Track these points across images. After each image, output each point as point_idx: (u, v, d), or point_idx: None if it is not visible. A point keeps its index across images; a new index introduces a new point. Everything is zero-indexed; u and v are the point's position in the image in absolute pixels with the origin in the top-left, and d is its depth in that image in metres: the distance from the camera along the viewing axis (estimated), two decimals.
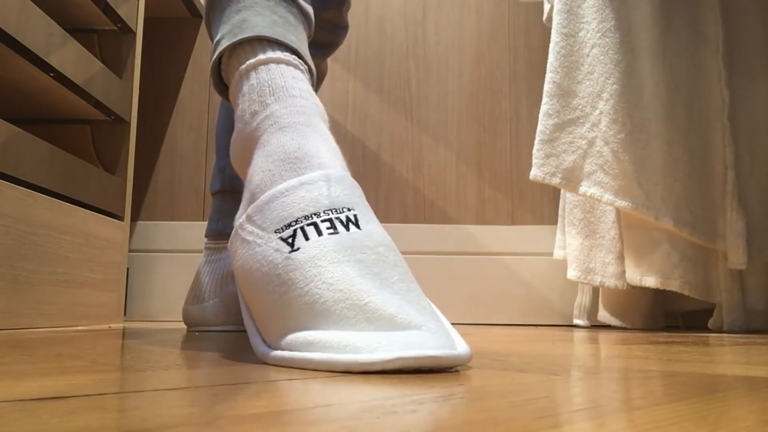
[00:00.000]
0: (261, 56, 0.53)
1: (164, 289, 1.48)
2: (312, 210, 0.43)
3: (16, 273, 0.84)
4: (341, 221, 0.43)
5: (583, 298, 1.39)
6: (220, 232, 0.92)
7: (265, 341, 0.44)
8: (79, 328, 0.94)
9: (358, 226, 0.43)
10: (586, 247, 1.30)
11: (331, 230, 0.42)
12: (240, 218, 0.47)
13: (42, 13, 0.90)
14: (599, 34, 1.22)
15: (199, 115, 1.56)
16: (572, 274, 1.31)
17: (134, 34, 1.19)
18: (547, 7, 1.38)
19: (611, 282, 1.27)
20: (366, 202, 0.47)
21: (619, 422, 0.23)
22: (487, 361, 0.47)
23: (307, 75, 0.55)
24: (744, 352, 0.63)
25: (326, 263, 0.40)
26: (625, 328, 1.31)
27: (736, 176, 1.23)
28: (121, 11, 1.14)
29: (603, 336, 0.97)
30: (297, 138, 0.48)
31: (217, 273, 0.90)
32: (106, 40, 1.17)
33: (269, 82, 0.52)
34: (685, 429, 0.21)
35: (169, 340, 0.63)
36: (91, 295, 1.05)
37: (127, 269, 1.31)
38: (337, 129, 1.56)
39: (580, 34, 1.23)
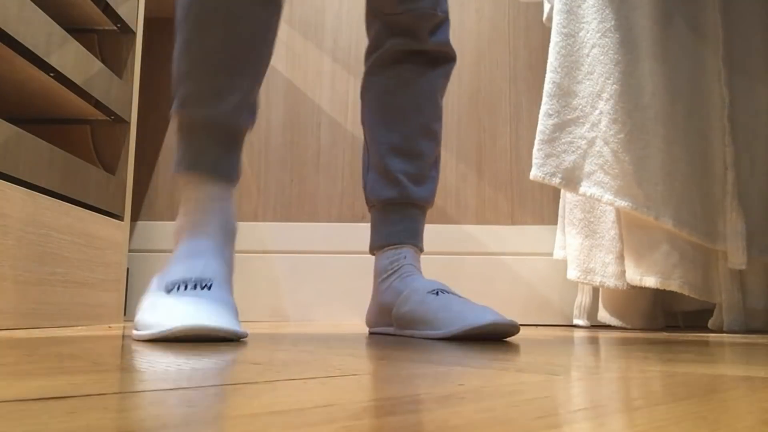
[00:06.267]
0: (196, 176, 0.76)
1: None
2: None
3: (16, 273, 0.84)
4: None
5: (583, 298, 1.39)
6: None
7: None
8: (79, 328, 0.94)
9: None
10: (586, 247, 1.30)
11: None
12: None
13: (42, 13, 0.90)
14: (599, 34, 1.22)
15: None
16: (572, 274, 1.31)
17: (134, 34, 1.19)
18: (547, 7, 1.38)
19: (611, 282, 1.27)
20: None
21: (619, 422, 0.23)
22: (487, 361, 0.47)
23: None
24: (744, 352, 0.63)
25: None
26: (625, 328, 1.31)
27: (736, 176, 1.23)
28: (121, 11, 1.14)
29: (603, 336, 0.97)
30: (200, 258, 0.71)
31: None
32: (106, 40, 1.17)
33: (197, 214, 0.74)
34: (685, 429, 0.21)
35: (169, 340, 0.63)
36: (91, 295, 1.05)
37: (127, 269, 1.31)
38: (337, 129, 1.56)
39: (580, 34, 1.23)
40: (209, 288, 0.66)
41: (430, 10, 0.90)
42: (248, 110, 0.79)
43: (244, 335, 0.65)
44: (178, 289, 0.65)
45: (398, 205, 0.91)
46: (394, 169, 0.91)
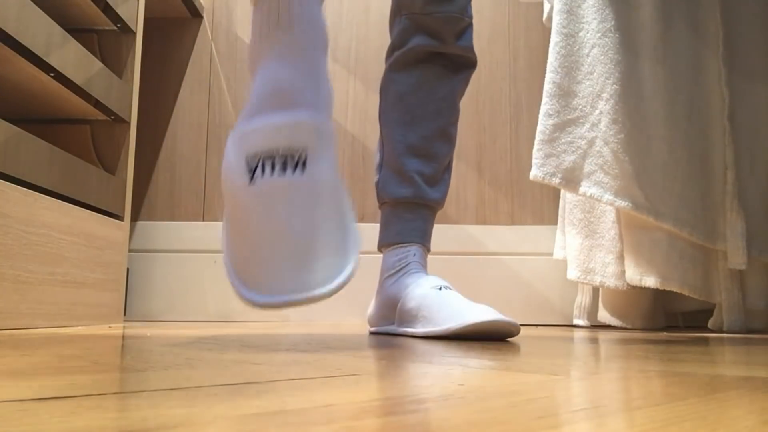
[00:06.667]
0: None
1: (164, 289, 1.48)
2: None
3: (16, 273, 0.84)
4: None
5: (583, 298, 1.39)
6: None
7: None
8: (79, 328, 0.94)
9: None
10: (586, 247, 1.30)
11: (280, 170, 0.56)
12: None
13: (42, 13, 0.90)
14: (599, 35, 1.22)
15: (199, 115, 1.56)
16: (572, 274, 1.31)
17: (134, 34, 1.19)
18: (547, 7, 1.38)
19: (611, 282, 1.27)
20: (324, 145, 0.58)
21: (619, 422, 0.23)
22: (487, 361, 0.47)
23: None
24: (744, 352, 0.63)
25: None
26: (625, 328, 1.31)
27: (736, 176, 1.23)
28: (121, 11, 1.14)
29: (603, 336, 0.97)
30: (286, 72, 0.59)
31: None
32: (106, 40, 1.17)
33: (279, 9, 0.60)
34: (685, 429, 0.21)
35: (169, 340, 0.63)
36: (91, 295, 1.05)
37: (127, 269, 1.31)
38: (337, 129, 1.56)
39: (580, 34, 1.23)
40: (304, 165, 0.56)
41: (458, 15, 0.91)
42: None
43: (346, 279, 0.57)
44: (264, 170, 0.56)
45: (411, 205, 0.92)
46: (409, 168, 0.91)
